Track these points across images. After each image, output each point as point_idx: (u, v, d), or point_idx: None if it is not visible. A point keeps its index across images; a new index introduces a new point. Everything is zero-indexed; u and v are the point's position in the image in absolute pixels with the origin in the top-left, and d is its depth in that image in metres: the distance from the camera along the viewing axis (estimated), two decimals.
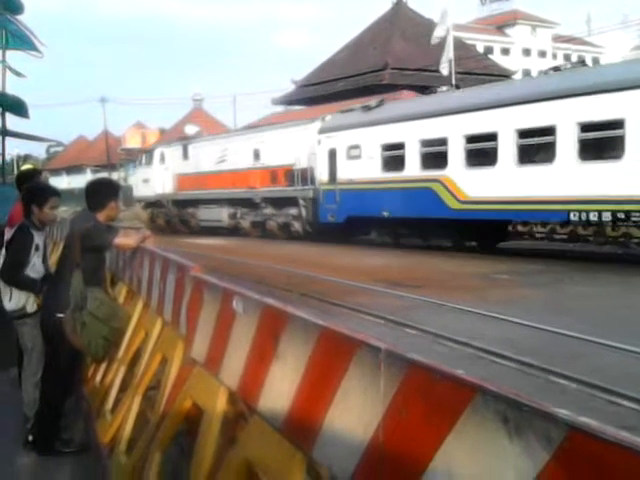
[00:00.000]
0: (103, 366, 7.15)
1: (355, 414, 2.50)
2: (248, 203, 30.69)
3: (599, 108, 16.65)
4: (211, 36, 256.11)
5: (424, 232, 22.92)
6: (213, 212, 33.17)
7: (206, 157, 34.04)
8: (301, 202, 27.51)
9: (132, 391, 5.74)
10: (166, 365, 5.14)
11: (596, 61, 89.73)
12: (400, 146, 22.77)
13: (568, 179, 17.40)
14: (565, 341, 9.00)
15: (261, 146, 30.12)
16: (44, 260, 6.55)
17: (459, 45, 40.63)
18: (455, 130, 20.61)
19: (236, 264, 18.16)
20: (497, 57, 73.37)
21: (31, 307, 6.29)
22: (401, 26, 48.03)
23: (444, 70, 33.19)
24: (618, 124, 16.40)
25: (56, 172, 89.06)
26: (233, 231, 31.73)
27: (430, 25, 43.03)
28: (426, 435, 2.12)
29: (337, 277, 15.08)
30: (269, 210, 29.68)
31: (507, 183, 19.02)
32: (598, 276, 15.41)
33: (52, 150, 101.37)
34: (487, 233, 21.71)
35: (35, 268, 6.34)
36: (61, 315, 5.87)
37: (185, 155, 36.16)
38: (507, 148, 19.08)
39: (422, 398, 2.16)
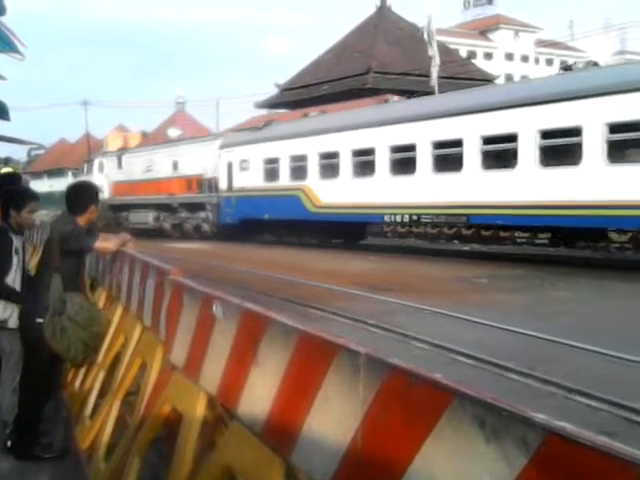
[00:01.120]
0: (82, 371, 7.11)
1: (334, 418, 2.50)
2: (168, 208, 35.30)
3: (401, 135, 22.07)
4: (195, 40, 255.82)
5: (297, 231, 27.82)
6: (141, 216, 37.37)
7: (136, 167, 38.30)
8: (208, 207, 32.23)
9: (111, 396, 5.71)
10: (145, 370, 5.11)
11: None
12: (276, 160, 27.75)
13: (383, 190, 22.54)
14: (543, 345, 9.03)
15: (178, 158, 34.75)
16: (23, 264, 6.48)
17: (442, 50, 40.77)
18: (312, 149, 25.76)
19: (216, 268, 18.12)
20: (480, 62, 73.74)
21: (13, 323, 6.19)
22: (385, 30, 48.19)
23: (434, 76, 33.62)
24: (411, 148, 21.71)
25: (37, 175, 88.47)
26: (158, 232, 34.59)
27: (414, 29, 43.20)
28: (405, 439, 2.12)
29: (318, 281, 15.06)
30: (185, 214, 34.35)
31: (345, 192, 24.22)
32: (577, 281, 15.48)
33: (33, 153, 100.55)
34: (348, 232, 26.41)
35: (15, 272, 6.27)
36: (40, 320, 5.81)
37: (119, 165, 40.07)
38: (346, 164, 24.30)
39: (401, 402, 2.16)
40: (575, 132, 17.08)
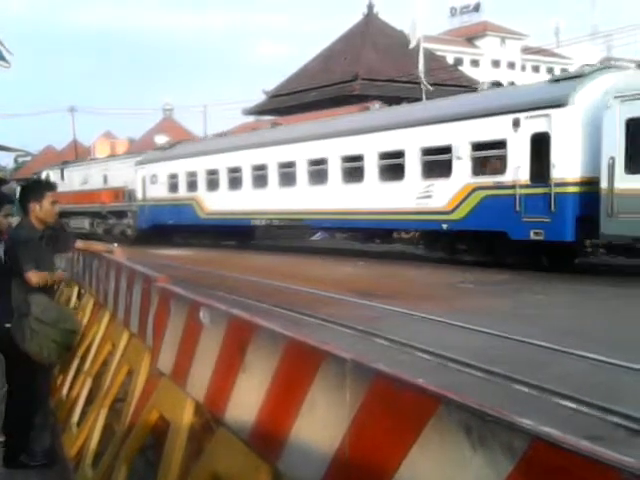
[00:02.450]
0: (69, 378, 7.08)
1: (321, 425, 2.49)
2: (101, 215, 41.07)
3: (258, 157, 28.23)
4: (183, 47, 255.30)
5: (196, 234, 33.47)
6: (79, 222, 42.56)
7: (75, 179, 44.12)
8: (129, 214, 38.03)
9: (98, 403, 5.69)
10: (133, 377, 5.09)
11: (565, 72, 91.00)
12: (176, 176, 33.78)
13: (248, 200, 28.45)
14: (529, 349, 9.07)
15: (108, 172, 40.78)
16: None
17: (429, 56, 40.89)
18: (200, 166, 31.94)
19: (204, 275, 18.11)
20: (467, 68, 73.94)
21: None
22: (372, 37, 48.22)
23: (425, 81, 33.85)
24: (264, 167, 27.89)
25: (24, 182, 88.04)
26: (91, 236, 36.85)
27: (401, 36, 43.30)
28: (391, 445, 2.12)
29: (308, 287, 15.10)
30: (113, 220, 40.15)
31: (223, 201, 30.09)
32: (562, 286, 15.54)
33: (20, 160, 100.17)
34: (236, 234, 31.55)
35: None
36: (8, 325, 5.77)
37: (62, 177, 45.08)
38: (223, 179, 30.53)
39: (387, 409, 2.16)
40: (360, 158, 23.42)
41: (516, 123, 18.36)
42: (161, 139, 44.32)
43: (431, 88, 33.00)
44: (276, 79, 53.93)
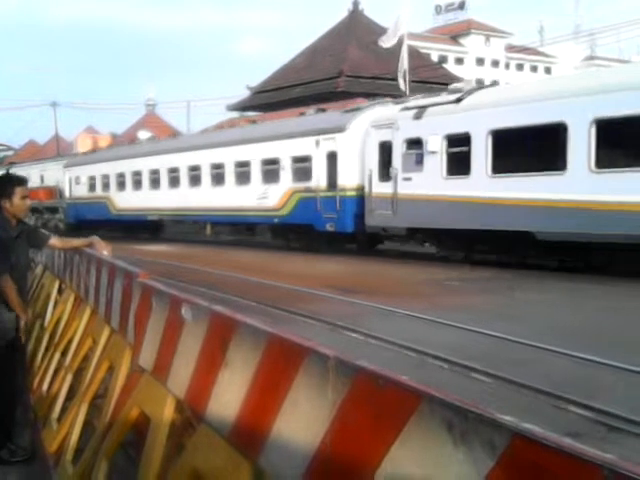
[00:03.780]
0: (50, 374, 7.03)
1: (303, 422, 2.49)
2: (38, 210, 45.74)
3: (153, 163, 34.07)
4: (167, 42, 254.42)
5: (113, 228, 36.38)
6: None
7: None
8: (60, 210, 44.03)
9: (79, 399, 5.65)
10: (113, 373, 5.06)
11: (548, 70, 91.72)
12: (94, 178, 39.69)
13: (147, 198, 34.28)
14: (513, 347, 9.09)
15: (44, 173, 47.00)
16: None
17: (414, 54, 40.92)
18: (112, 170, 37.98)
19: (187, 271, 18.06)
20: (451, 66, 74.04)
21: None
22: (357, 34, 48.18)
23: (401, 80, 33.77)
24: (157, 172, 33.76)
25: None
26: None
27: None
28: (373, 442, 2.11)
29: (289, 283, 15.07)
30: (48, 215, 46.05)
31: (129, 200, 36.01)
32: (545, 283, 15.58)
33: (2, 155, 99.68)
34: (146, 228, 37.11)
35: None
36: None
37: None
38: (129, 181, 36.11)
39: (369, 405, 2.16)
40: (222, 166, 29.32)
41: (317, 143, 24.39)
42: (144, 134, 44.54)
43: (404, 87, 33.12)
44: (261, 75, 53.74)
